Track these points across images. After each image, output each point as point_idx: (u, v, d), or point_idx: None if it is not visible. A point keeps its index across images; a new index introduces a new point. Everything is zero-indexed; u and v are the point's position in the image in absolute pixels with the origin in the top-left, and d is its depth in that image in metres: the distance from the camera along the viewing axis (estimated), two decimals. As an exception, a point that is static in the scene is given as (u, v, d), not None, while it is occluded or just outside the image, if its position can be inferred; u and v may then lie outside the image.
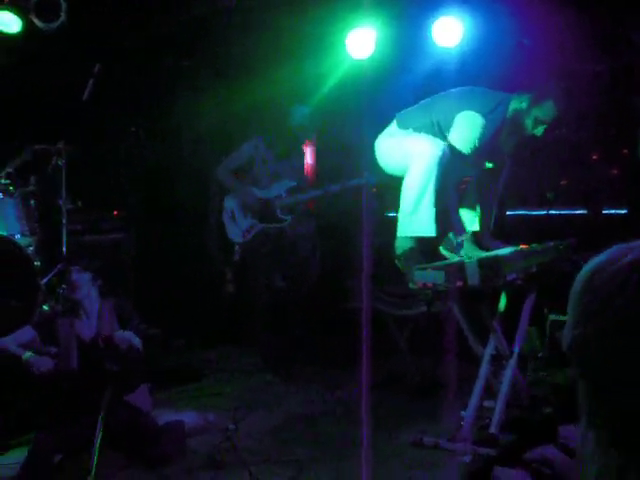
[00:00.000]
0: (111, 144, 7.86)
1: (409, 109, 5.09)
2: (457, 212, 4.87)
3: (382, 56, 6.61)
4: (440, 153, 4.61)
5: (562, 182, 6.79)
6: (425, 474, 4.15)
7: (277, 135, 6.86)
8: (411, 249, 4.76)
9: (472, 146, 4.70)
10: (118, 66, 7.37)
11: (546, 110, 4.62)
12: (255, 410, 5.43)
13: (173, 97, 8.29)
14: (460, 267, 4.21)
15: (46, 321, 4.96)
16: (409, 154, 4.76)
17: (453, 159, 4.69)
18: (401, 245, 4.80)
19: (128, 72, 7.73)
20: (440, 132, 4.81)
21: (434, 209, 4.65)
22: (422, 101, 5.08)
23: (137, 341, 4.82)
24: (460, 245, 4.75)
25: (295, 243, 7.01)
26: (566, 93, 4.72)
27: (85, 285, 4.86)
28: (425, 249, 4.80)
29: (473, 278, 4.13)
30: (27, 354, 4.56)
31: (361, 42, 6.62)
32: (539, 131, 4.68)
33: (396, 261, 4.81)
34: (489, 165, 5.11)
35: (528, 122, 4.68)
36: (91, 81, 6.44)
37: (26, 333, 4.77)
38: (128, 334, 4.80)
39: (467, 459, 4.18)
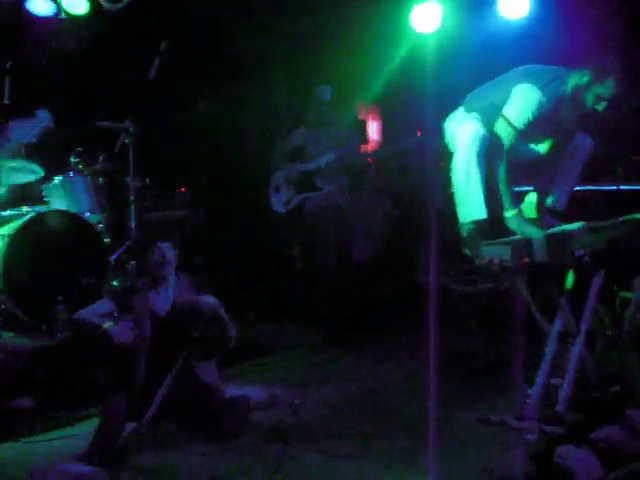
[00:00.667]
0: (178, 122, 7.92)
1: (475, 91, 5.05)
2: (507, 188, 4.77)
3: (447, 31, 6.54)
4: (473, 135, 4.66)
5: (633, 157, 6.64)
6: (491, 452, 4.12)
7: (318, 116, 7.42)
8: (474, 232, 4.74)
9: (526, 119, 4.62)
10: (185, 45, 7.42)
11: (607, 87, 4.51)
12: (321, 385, 5.46)
13: (243, 74, 8.32)
14: (527, 243, 4.16)
15: (123, 293, 5.04)
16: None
17: (514, 138, 4.65)
18: (464, 230, 4.79)
19: (195, 51, 7.78)
20: (499, 112, 4.77)
21: (481, 191, 4.67)
22: (487, 83, 5.02)
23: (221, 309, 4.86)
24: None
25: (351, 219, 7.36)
26: (626, 72, 4.60)
27: (174, 262, 4.92)
28: (488, 229, 4.76)
29: (540, 254, 4.08)
30: (107, 324, 4.64)
31: (426, 16, 6.56)
32: (601, 106, 4.58)
33: (463, 247, 4.80)
34: (549, 142, 5.02)
35: (589, 97, 4.57)
36: (157, 59, 6.50)
37: (104, 305, 4.86)
38: (213, 300, 4.84)
39: (533, 437, 4.15)
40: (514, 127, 4.65)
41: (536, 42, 6.05)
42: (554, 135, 4.97)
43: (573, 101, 4.67)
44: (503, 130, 4.68)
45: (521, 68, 4.86)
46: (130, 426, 4.36)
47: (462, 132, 4.80)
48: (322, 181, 7.15)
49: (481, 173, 4.68)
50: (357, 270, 7.78)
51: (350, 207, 7.73)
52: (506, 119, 4.66)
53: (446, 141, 5.10)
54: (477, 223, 4.74)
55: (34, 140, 6.17)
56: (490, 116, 4.78)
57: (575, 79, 4.61)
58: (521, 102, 4.64)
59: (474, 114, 4.88)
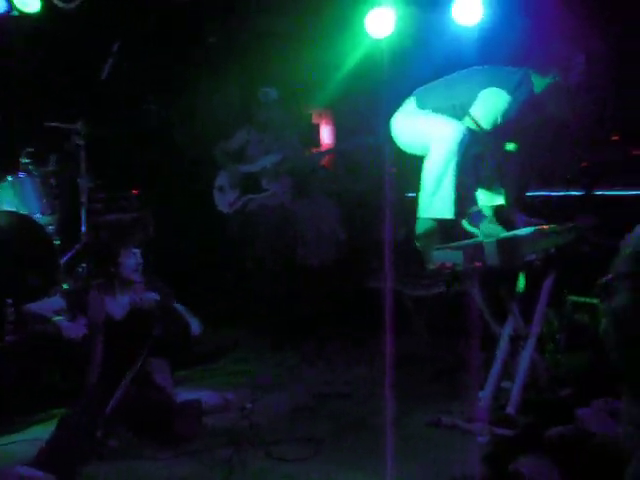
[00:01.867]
0: (130, 123, 7.86)
1: (428, 87, 5.01)
2: (473, 185, 4.77)
3: (401, 35, 6.57)
4: (461, 136, 4.60)
5: (583, 164, 6.72)
6: (442, 454, 4.14)
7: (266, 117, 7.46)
8: (431, 229, 4.75)
9: (494, 121, 4.63)
10: (138, 45, 7.37)
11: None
12: (273, 389, 5.46)
13: (194, 75, 8.29)
14: (479, 247, 4.19)
15: (76, 292, 5.00)
16: (428, 136, 4.76)
17: (474, 136, 4.67)
18: (422, 225, 4.79)
19: (148, 51, 7.73)
20: (463, 114, 4.76)
21: (454, 192, 4.66)
22: (442, 79, 5.01)
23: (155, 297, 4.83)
24: (474, 216, 4.72)
25: (300, 221, 7.43)
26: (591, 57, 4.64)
27: (140, 264, 4.88)
28: (446, 229, 4.78)
29: (492, 258, 4.11)
30: (57, 317, 4.60)
31: (380, 21, 6.59)
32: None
33: (416, 241, 4.80)
34: (511, 146, 5.06)
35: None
36: (110, 60, 6.45)
37: (55, 302, 4.81)
38: (152, 294, 4.81)
39: (484, 439, 4.18)
40: (481, 127, 4.65)
41: (492, 46, 6.09)
42: (517, 138, 4.99)
43: (557, 94, 4.65)
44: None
45: (484, 69, 4.85)
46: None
47: (445, 130, 4.68)
48: (267, 182, 7.23)
49: (457, 176, 4.66)
50: (307, 274, 7.80)
51: (299, 211, 7.78)
52: (473, 119, 4.66)
53: (393, 135, 5.08)
54: (441, 222, 4.72)
55: None
56: (455, 116, 4.77)
57: (545, 80, 4.60)
58: (490, 105, 4.61)
59: (428, 111, 4.86)
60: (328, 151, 9.21)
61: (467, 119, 4.68)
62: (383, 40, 6.73)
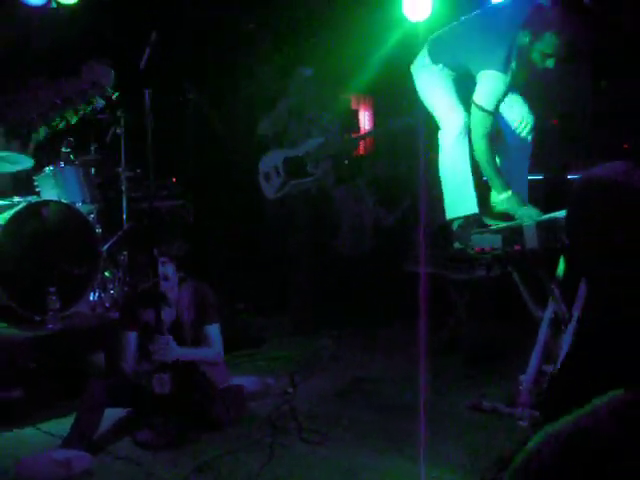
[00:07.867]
0: (170, 111, 7.89)
1: (440, 35, 4.99)
2: (496, 171, 4.71)
3: (438, 18, 6.53)
4: (459, 129, 4.72)
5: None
6: (482, 438, 4.14)
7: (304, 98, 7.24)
8: (465, 225, 4.74)
9: (496, 101, 4.60)
10: (177, 32, 7.40)
11: (548, 42, 4.43)
12: (313, 374, 5.49)
13: (233, 63, 8.30)
14: (518, 230, 4.17)
15: (126, 307, 5.05)
16: (437, 114, 4.91)
17: (491, 121, 4.64)
18: (455, 224, 4.79)
19: (187, 39, 7.76)
20: (465, 70, 4.74)
21: (472, 185, 4.72)
22: (450, 27, 4.97)
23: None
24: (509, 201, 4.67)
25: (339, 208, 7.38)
26: (568, 20, 4.54)
27: (171, 277, 4.84)
28: (480, 220, 4.77)
29: (531, 241, 4.09)
30: None
31: (418, 4, 6.55)
32: (550, 63, 4.52)
33: (455, 243, 4.79)
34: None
35: (535, 57, 4.52)
36: (148, 49, 6.48)
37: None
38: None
39: (525, 423, 4.16)
40: (487, 111, 4.61)
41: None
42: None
43: (521, 60, 4.60)
44: (479, 116, 4.65)
45: (481, 20, 4.82)
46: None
47: (447, 126, 4.81)
48: (312, 167, 7.11)
49: (471, 167, 4.69)
50: (345, 260, 7.80)
51: (337, 196, 7.77)
52: (478, 106, 4.62)
53: (417, 89, 5.07)
54: (469, 218, 4.72)
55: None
56: (458, 70, 4.79)
57: (519, 41, 4.56)
58: (489, 87, 4.58)
59: (441, 66, 4.86)
60: (367, 134, 9.17)
61: (473, 108, 4.65)
62: (421, 23, 6.69)
